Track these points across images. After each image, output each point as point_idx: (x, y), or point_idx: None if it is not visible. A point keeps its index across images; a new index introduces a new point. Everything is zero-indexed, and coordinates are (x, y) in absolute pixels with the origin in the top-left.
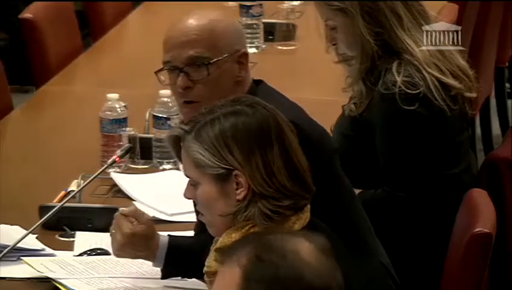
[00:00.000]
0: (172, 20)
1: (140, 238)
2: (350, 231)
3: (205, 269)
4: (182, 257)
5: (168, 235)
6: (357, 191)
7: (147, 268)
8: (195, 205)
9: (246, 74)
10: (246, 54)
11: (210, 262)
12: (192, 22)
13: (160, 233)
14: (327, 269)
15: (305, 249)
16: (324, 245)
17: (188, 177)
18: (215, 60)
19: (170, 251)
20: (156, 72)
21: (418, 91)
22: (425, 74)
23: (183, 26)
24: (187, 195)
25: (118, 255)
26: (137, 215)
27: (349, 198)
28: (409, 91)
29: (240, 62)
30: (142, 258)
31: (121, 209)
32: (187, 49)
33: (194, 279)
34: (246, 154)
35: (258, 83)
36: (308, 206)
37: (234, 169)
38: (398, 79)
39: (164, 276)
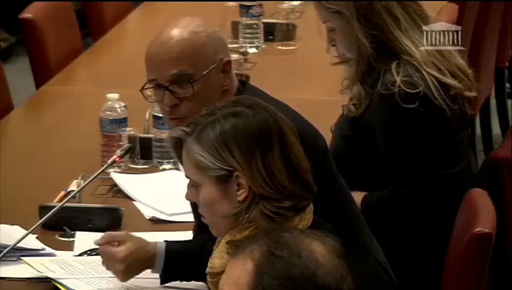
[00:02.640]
0: (172, 20)
1: (136, 257)
2: (344, 228)
3: (208, 269)
4: (180, 262)
5: (165, 241)
6: (362, 193)
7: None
8: (192, 207)
9: (231, 81)
10: (229, 62)
11: (213, 262)
12: (173, 36)
13: (158, 235)
14: (339, 272)
15: (319, 250)
16: (337, 247)
17: (189, 179)
18: (199, 75)
19: (168, 256)
20: (141, 90)
21: (417, 90)
22: (425, 74)
23: (164, 42)
24: (189, 197)
25: (125, 280)
26: (115, 236)
27: (344, 195)
28: (409, 90)
29: (225, 71)
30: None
31: (96, 241)
32: (170, 67)
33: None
34: (246, 155)
35: (243, 83)
36: (311, 206)
37: (235, 170)
38: (398, 79)
39: (163, 282)
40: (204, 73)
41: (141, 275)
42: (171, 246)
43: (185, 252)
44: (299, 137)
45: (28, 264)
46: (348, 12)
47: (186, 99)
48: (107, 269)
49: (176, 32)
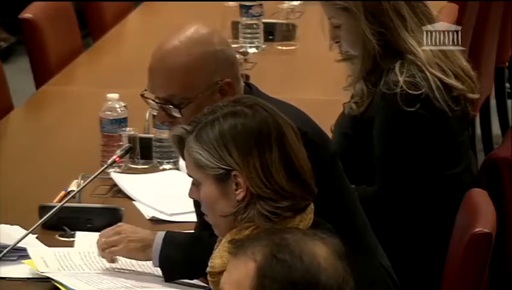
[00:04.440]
0: (172, 21)
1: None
2: (351, 233)
3: (209, 268)
4: (177, 243)
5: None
6: None
7: (147, 268)
8: (195, 205)
9: (230, 97)
10: (228, 83)
11: (214, 262)
12: (169, 55)
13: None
14: (341, 274)
15: (321, 253)
16: (339, 249)
17: (190, 177)
18: (190, 99)
19: (166, 236)
20: (142, 96)
21: (419, 92)
22: (428, 74)
23: (160, 61)
24: (191, 195)
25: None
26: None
27: (350, 199)
28: (411, 92)
29: (223, 91)
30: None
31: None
32: (161, 90)
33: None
34: (244, 155)
35: (248, 86)
36: (312, 206)
37: (233, 169)
38: (400, 79)
39: (160, 263)
40: (195, 96)
41: (142, 274)
42: (170, 232)
43: (183, 235)
44: (311, 142)
45: (28, 263)
46: (356, 9)
47: (178, 118)
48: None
49: (173, 51)
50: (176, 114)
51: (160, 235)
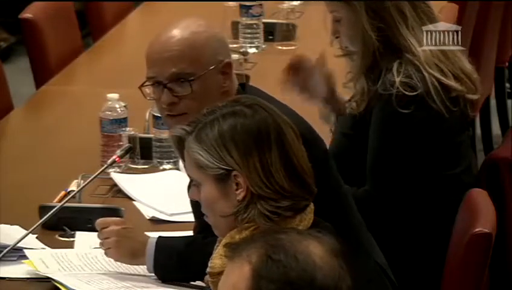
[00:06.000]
0: (172, 20)
1: (130, 233)
2: (346, 231)
3: (208, 269)
4: (170, 249)
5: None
6: None
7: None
8: (192, 207)
9: (231, 83)
10: (229, 64)
11: (214, 262)
12: (174, 36)
13: (157, 235)
14: (337, 272)
15: (316, 251)
16: (334, 247)
17: (190, 177)
18: (198, 75)
19: (158, 242)
20: (140, 87)
21: (415, 93)
22: (426, 74)
23: (164, 41)
24: (191, 196)
25: (116, 257)
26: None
27: (345, 198)
28: (407, 93)
29: (224, 72)
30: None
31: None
32: (170, 65)
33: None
34: (244, 155)
35: (242, 86)
36: (312, 206)
37: (233, 170)
38: (397, 80)
39: (155, 270)
40: (203, 73)
41: (142, 274)
42: (163, 237)
43: (176, 240)
44: (301, 136)
45: (28, 264)
46: (358, 4)
47: (185, 98)
48: (102, 245)
49: (177, 31)
50: (185, 89)
51: (152, 242)
